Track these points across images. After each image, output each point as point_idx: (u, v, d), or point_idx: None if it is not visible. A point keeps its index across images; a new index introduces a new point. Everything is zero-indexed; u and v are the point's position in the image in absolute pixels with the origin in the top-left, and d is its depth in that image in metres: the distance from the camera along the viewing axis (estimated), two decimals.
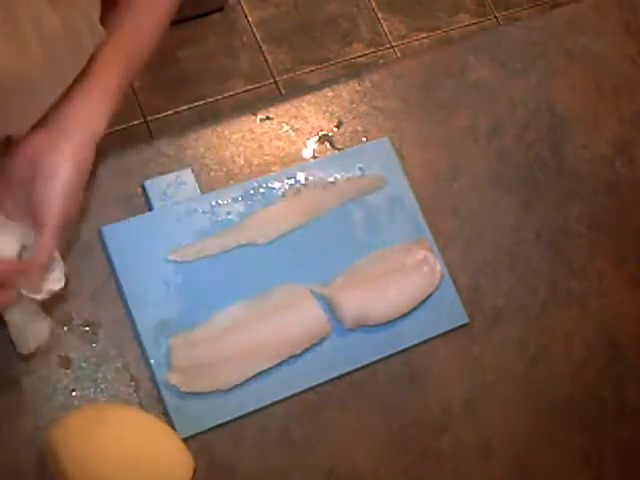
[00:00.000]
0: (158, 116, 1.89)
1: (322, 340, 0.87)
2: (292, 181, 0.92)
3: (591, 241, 1.03)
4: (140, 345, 0.84)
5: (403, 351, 0.91)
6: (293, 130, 0.97)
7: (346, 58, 2.07)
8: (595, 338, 1.00)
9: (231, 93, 1.95)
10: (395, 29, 2.15)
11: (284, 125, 0.97)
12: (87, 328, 0.83)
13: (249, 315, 0.86)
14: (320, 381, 0.87)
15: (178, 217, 0.87)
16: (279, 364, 0.85)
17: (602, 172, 1.07)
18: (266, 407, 0.85)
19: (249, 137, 0.94)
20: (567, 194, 1.04)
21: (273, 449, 0.85)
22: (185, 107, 1.91)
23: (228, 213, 0.89)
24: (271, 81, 2.00)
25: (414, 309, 0.91)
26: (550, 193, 1.04)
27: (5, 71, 0.64)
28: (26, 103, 0.71)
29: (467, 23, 2.22)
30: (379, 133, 0.99)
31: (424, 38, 2.17)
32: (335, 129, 0.98)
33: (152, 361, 0.83)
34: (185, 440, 0.81)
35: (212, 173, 0.92)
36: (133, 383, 0.83)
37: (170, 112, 1.90)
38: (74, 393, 0.82)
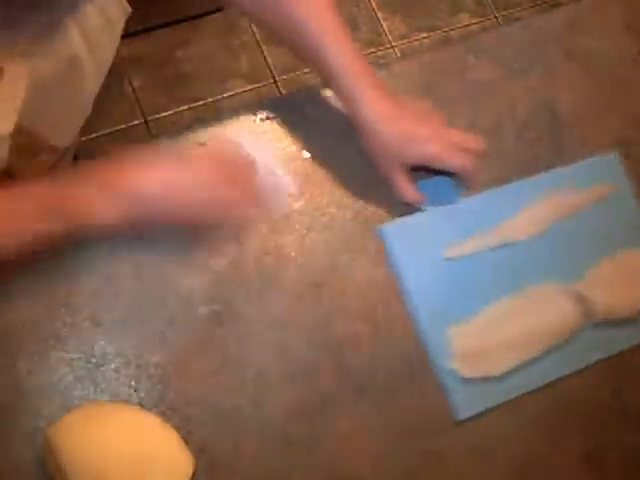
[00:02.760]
0: (158, 116, 1.89)
1: (573, 334, 0.95)
2: (548, 185, 1.00)
3: None
4: (420, 335, 0.91)
5: (404, 351, 0.91)
6: (293, 130, 0.96)
7: None
8: None
9: (231, 93, 1.96)
10: (395, 29, 2.15)
11: (284, 125, 0.96)
12: (87, 327, 0.84)
13: (511, 310, 0.94)
14: (571, 371, 0.95)
15: (448, 217, 0.96)
16: (540, 355, 0.93)
17: None
18: (268, 409, 0.85)
19: (249, 137, 0.94)
20: None
21: (273, 449, 0.85)
22: (185, 107, 1.91)
23: (490, 214, 0.97)
24: (271, 81, 2.01)
25: None
26: None
27: (56, 76, 0.69)
28: (76, 97, 0.75)
29: (467, 23, 2.22)
30: None
31: (424, 38, 2.17)
32: None
33: (431, 348, 0.91)
34: (186, 440, 0.81)
35: None
36: (133, 383, 0.83)
37: (170, 112, 1.90)
38: (74, 393, 0.82)
